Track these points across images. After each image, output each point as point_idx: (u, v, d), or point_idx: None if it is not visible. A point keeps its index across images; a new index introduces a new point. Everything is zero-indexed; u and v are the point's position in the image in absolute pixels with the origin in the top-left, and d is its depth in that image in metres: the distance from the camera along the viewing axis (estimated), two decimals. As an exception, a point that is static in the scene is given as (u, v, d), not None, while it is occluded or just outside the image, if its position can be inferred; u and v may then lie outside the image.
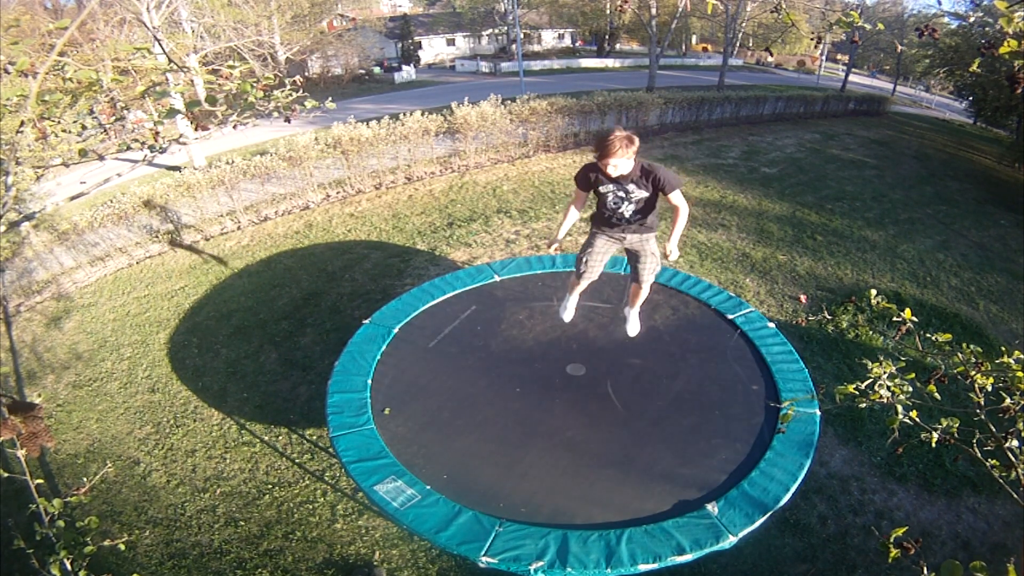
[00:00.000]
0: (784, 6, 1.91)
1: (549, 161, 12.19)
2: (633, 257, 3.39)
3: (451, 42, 39.96)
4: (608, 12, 36.24)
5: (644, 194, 2.98)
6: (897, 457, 4.85)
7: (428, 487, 3.16)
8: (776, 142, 15.05)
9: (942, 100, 34.99)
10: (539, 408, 3.92)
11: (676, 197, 2.98)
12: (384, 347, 4.38)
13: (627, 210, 3.03)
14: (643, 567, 2.73)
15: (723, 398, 3.95)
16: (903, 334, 2.07)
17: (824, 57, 39.33)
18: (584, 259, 3.41)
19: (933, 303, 7.49)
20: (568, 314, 3.91)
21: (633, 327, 3.88)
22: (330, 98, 2.92)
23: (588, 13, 36.97)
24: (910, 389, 2.01)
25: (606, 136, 2.78)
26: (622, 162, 2.81)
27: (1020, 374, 1.87)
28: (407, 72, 30.60)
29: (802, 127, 17.28)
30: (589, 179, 3.04)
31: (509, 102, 11.89)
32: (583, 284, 3.60)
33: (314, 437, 5.14)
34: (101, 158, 2.30)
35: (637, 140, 2.81)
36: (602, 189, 3.02)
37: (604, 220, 3.17)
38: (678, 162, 12.54)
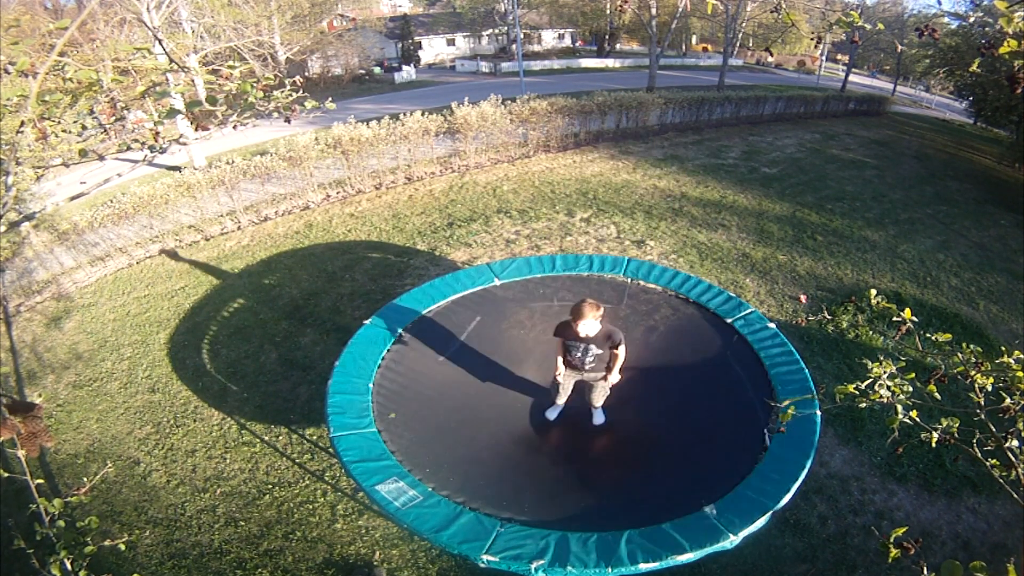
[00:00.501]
0: (784, 6, 1.91)
1: (549, 161, 12.19)
2: (588, 388, 4.00)
3: (451, 42, 39.97)
4: (608, 12, 36.27)
5: (600, 351, 3.69)
6: (897, 457, 4.84)
7: (429, 488, 3.16)
8: (776, 142, 15.06)
9: (942, 100, 35.02)
10: (540, 409, 3.92)
11: (619, 349, 3.70)
12: (385, 348, 4.38)
13: (586, 361, 3.72)
14: (643, 567, 2.73)
15: (723, 398, 3.95)
16: (903, 334, 2.07)
17: (824, 57, 39.35)
18: (555, 386, 4.02)
19: (933, 303, 7.49)
20: (553, 415, 4.10)
21: (598, 420, 4.09)
22: (330, 98, 2.91)
23: (588, 13, 37.01)
24: (910, 389, 2.01)
25: (579, 303, 3.49)
26: (590, 324, 3.48)
27: (1020, 374, 1.87)
28: (407, 72, 30.60)
29: (802, 127, 17.30)
30: (564, 333, 3.72)
31: (509, 102, 11.90)
32: (563, 399, 4.07)
33: (314, 437, 5.14)
34: (101, 158, 2.30)
35: (603, 307, 3.57)
36: (570, 344, 3.71)
37: (567, 361, 3.86)
38: (678, 162, 12.54)
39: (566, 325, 3.72)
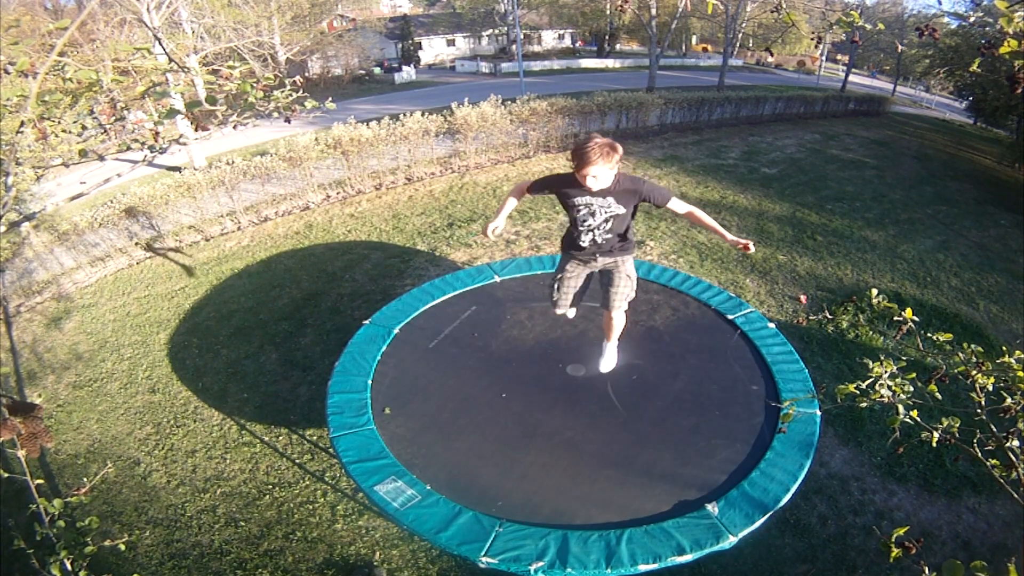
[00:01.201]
0: (784, 6, 1.91)
1: (549, 162, 12.19)
2: (606, 279, 3.09)
3: (451, 42, 39.97)
4: (608, 12, 36.27)
5: (621, 210, 2.67)
6: (897, 457, 4.84)
7: (428, 487, 3.16)
8: (776, 142, 15.05)
9: (942, 100, 35.02)
10: (539, 408, 3.91)
11: (678, 204, 2.69)
12: (384, 347, 4.38)
13: (601, 228, 2.74)
14: (643, 567, 2.73)
15: (723, 398, 3.95)
16: (903, 334, 2.07)
17: (824, 57, 39.34)
18: (556, 286, 3.23)
19: (933, 303, 7.49)
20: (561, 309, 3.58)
21: (608, 362, 3.57)
22: (330, 98, 2.91)
23: (588, 13, 37.00)
24: (911, 389, 2.01)
25: (584, 143, 2.47)
26: (603, 172, 2.49)
27: (1021, 374, 1.87)
28: (407, 72, 30.62)
29: (802, 127, 17.29)
30: (551, 189, 2.77)
31: (509, 102, 11.89)
32: (559, 312, 3.48)
33: (314, 437, 5.14)
34: (101, 158, 2.30)
35: (620, 149, 2.50)
36: (576, 201, 2.68)
37: (574, 243, 2.88)
38: (678, 162, 12.54)
39: (562, 180, 2.69)
